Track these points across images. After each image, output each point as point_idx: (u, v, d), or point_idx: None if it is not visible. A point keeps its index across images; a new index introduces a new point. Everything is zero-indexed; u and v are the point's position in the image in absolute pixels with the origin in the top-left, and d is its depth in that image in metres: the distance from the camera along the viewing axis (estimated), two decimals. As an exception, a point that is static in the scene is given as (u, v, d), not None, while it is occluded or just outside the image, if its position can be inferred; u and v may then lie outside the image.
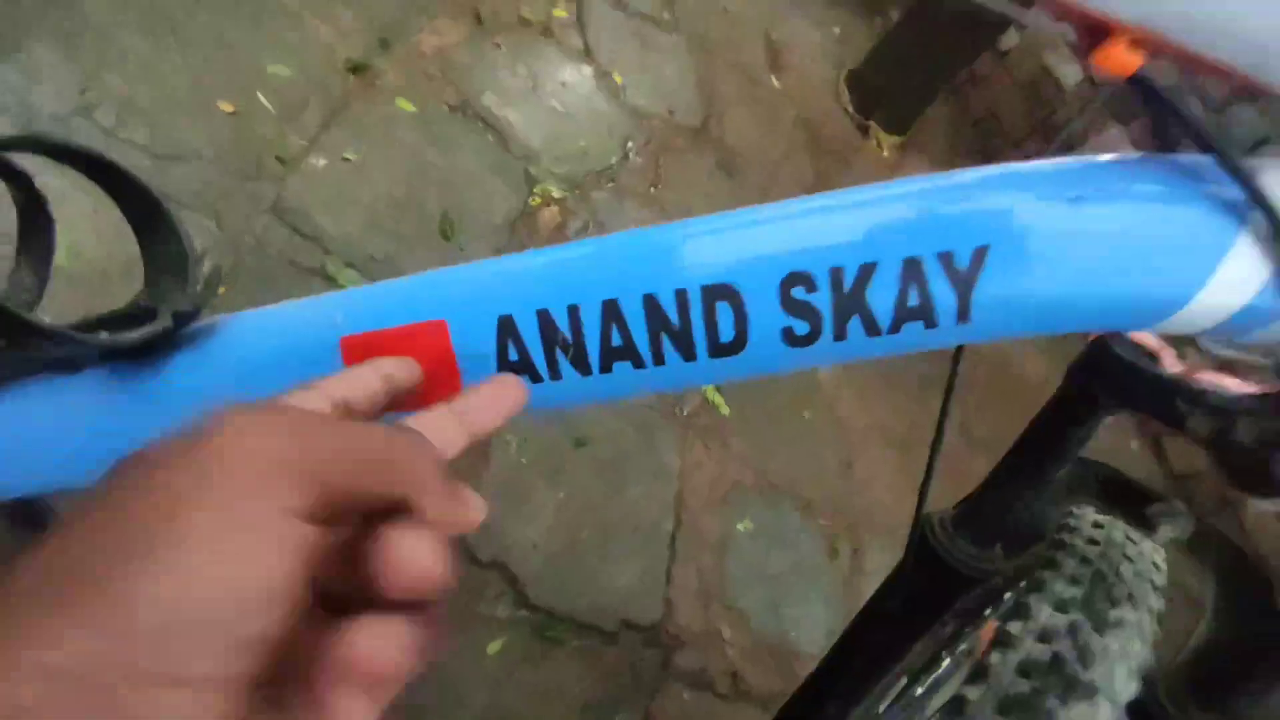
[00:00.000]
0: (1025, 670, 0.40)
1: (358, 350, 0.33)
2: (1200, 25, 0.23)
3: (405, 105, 1.50)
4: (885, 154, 2.51)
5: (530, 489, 1.24)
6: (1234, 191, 0.26)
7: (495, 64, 1.71)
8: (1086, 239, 0.27)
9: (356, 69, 1.47)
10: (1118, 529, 0.49)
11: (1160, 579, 0.48)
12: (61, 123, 1.09)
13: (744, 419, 1.58)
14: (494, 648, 1.09)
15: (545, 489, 1.25)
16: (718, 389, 1.61)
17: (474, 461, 1.20)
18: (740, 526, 1.45)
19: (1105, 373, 0.41)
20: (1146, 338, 0.41)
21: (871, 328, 0.28)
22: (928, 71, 2.36)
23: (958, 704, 0.40)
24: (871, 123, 2.48)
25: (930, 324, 0.28)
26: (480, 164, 1.53)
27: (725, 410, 1.57)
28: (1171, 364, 0.40)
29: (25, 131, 0.33)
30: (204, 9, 1.34)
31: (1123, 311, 0.28)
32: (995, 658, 0.41)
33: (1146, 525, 0.46)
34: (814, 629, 1.39)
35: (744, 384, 1.63)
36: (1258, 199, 0.25)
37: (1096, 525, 0.50)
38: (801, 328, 0.29)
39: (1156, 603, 0.46)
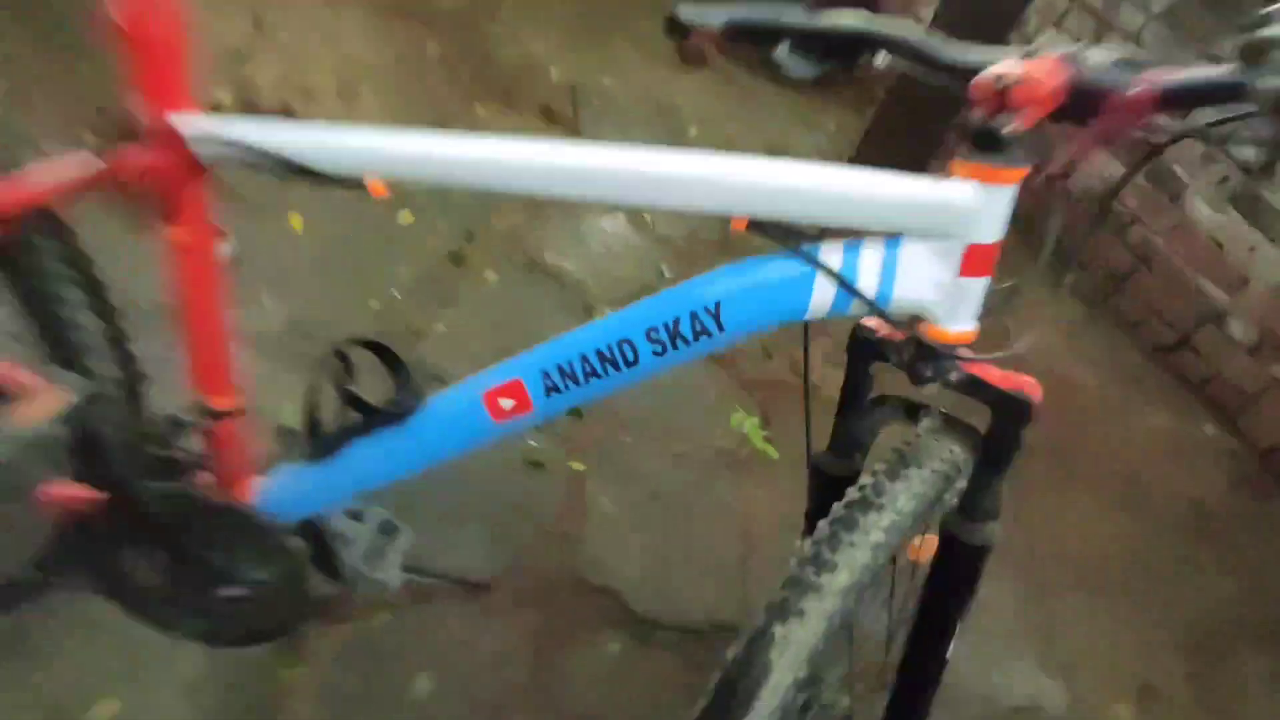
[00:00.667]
0: (849, 505, 0.78)
1: (491, 398, 0.77)
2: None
3: (490, 275, 2.04)
4: (892, 224, 2.89)
5: (622, 532, 1.64)
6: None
7: (550, 229, 2.24)
8: (757, 287, 0.68)
9: (454, 258, 2.02)
10: (927, 437, 0.86)
11: (947, 456, 0.84)
12: (282, 337, 1.65)
13: (791, 461, 1.94)
14: (614, 648, 1.47)
15: (634, 531, 1.65)
16: (767, 440, 1.98)
17: (577, 517, 1.62)
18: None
19: (858, 344, 0.80)
20: (874, 320, 0.79)
21: (687, 342, 0.70)
22: (917, 144, 2.51)
23: (813, 528, 0.78)
24: (872, 200, 2.87)
25: (710, 336, 0.70)
26: (548, 305, 2.04)
27: (775, 455, 1.95)
28: (886, 333, 0.78)
29: (358, 338, 0.80)
30: (345, 248, 1.92)
31: (783, 313, 0.69)
32: (836, 507, 0.79)
33: (917, 421, 0.83)
34: (876, 622, 1.70)
35: (789, 432, 2.00)
36: (808, 259, 0.66)
37: (917, 435, 0.87)
38: (659, 348, 0.71)
39: (941, 466, 0.82)
